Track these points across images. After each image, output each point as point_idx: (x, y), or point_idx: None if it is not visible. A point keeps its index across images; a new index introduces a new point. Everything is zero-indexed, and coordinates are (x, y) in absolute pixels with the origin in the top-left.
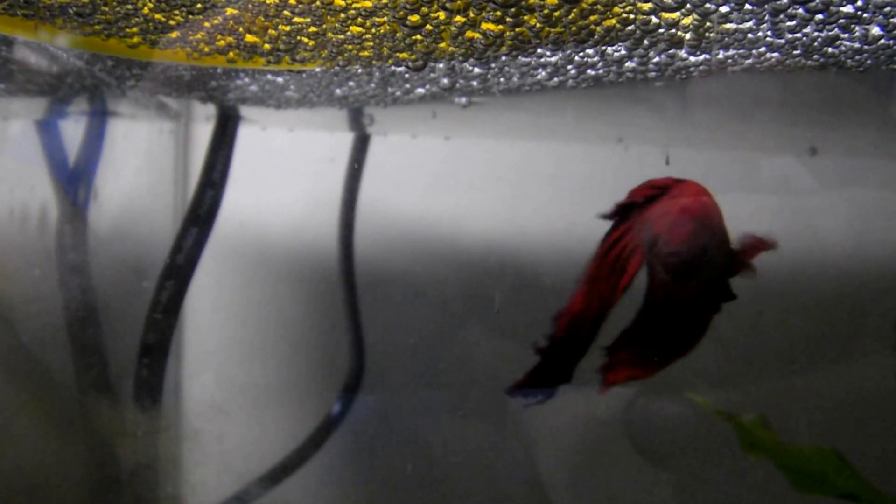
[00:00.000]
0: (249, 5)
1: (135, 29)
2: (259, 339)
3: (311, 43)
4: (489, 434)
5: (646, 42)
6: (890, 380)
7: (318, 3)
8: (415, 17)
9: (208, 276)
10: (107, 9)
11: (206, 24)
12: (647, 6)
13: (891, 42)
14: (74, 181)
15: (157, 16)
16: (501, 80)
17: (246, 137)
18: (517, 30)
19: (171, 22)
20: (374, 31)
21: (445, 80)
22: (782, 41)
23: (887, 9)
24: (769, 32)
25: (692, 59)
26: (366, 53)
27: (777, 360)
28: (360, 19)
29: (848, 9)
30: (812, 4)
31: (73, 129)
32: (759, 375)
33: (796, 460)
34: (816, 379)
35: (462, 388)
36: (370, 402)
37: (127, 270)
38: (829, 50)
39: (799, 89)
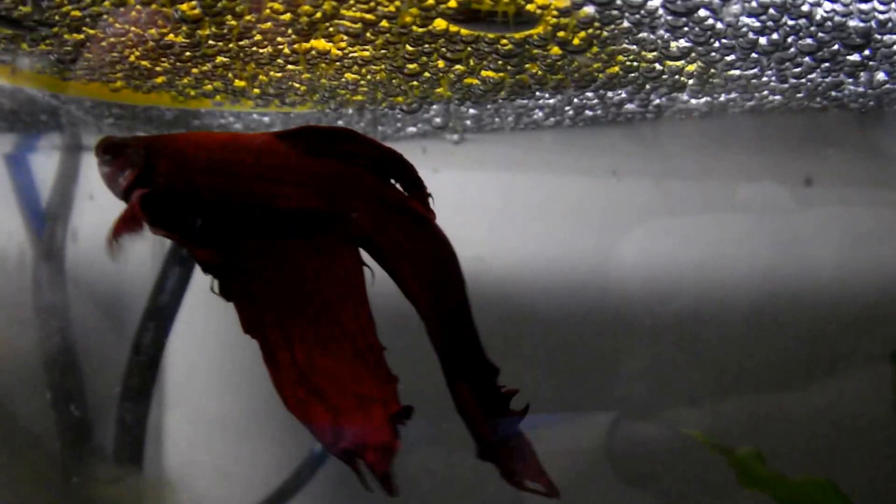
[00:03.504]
0: (241, 54)
1: (119, 74)
2: (242, 373)
3: (303, 88)
4: (472, 464)
5: (647, 87)
6: (880, 405)
7: (313, 52)
8: (413, 66)
9: (190, 313)
10: (91, 55)
11: (195, 71)
12: (651, 55)
13: (895, 86)
14: (50, 218)
15: (144, 63)
16: (496, 120)
17: None
18: (518, 77)
19: (158, 68)
20: (369, 77)
21: (438, 120)
22: (786, 86)
23: (895, 58)
24: (773, 78)
25: (693, 101)
26: (359, 98)
27: (768, 384)
28: (356, 67)
29: (855, 57)
30: (819, 54)
31: (44, 164)
32: (750, 399)
33: (792, 493)
34: (807, 404)
35: (445, 418)
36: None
37: (107, 311)
38: (833, 94)
39: (795, 124)
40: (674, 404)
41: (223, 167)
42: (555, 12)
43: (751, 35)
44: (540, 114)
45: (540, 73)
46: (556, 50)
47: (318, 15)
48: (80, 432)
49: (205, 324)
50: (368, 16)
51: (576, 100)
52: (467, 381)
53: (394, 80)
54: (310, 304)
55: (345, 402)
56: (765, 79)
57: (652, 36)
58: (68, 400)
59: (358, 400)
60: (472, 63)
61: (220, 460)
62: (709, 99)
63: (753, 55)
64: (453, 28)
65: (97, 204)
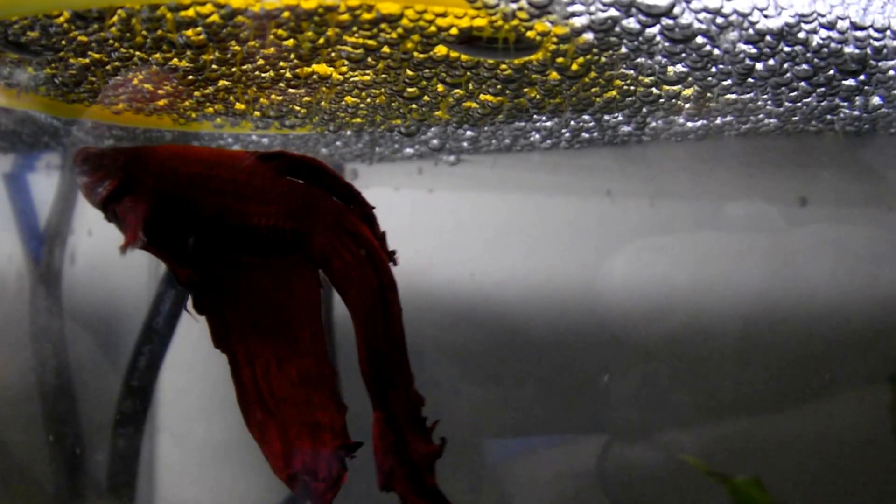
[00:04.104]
0: (243, 78)
1: (121, 97)
2: (233, 399)
3: (303, 111)
4: (465, 487)
5: (644, 110)
6: (879, 429)
7: (315, 76)
8: (413, 90)
9: (182, 336)
10: (94, 79)
11: (197, 94)
12: (648, 79)
13: (891, 111)
14: (48, 240)
15: (147, 86)
16: (493, 141)
17: None
18: (516, 101)
19: (160, 91)
20: (369, 101)
21: (436, 142)
22: (781, 109)
23: (890, 83)
24: (769, 102)
25: (689, 124)
26: (358, 120)
27: (762, 406)
28: (356, 91)
29: (850, 82)
30: (815, 79)
31: (43, 183)
32: (744, 422)
33: None
34: (804, 427)
35: (438, 441)
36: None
37: (102, 335)
38: (829, 117)
39: (788, 144)
40: (667, 426)
41: (203, 182)
42: (554, 39)
43: (747, 61)
44: (537, 136)
45: (538, 97)
46: (554, 75)
47: (321, 41)
48: (72, 461)
49: (195, 348)
50: (370, 42)
51: (572, 122)
52: (390, 412)
53: (393, 104)
54: (270, 323)
55: (296, 428)
56: (760, 103)
57: (649, 61)
58: (62, 426)
59: (309, 427)
60: (471, 87)
61: (213, 489)
62: (705, 122)
63: (750, 80)
64: (453, 54)
65: (95, 228)
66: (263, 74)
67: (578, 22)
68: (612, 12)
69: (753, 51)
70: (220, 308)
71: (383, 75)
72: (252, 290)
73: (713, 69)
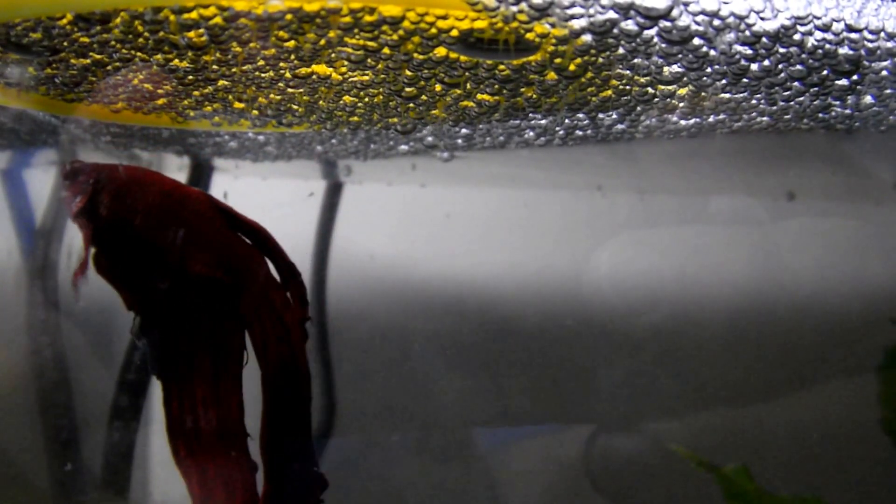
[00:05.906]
0: (243, 78)
1: (120, 96)
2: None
3: (301, 110)
4: (455, 476)
5: (639, 108)
6: (867, 420)
7: (314, 77)
8: (411, 90)
9: None
10: (94, 79)
11: (196, 93)
12: (643, 79)
13: (882, 109)
14: (42, 235)
15: (147, 86)
16: (488, 139)
17: (218, 185)
18: (513, 100)
19: (160, 91)
20: (367, 100)
21: (431, 139)
22: (774, 108)
23: (882, 82)
24: (762, 101)
25: (683, 122)
26: (355, 119)
27: (749, 397)
28: (354, 90)
29: (843, 82)
30: (809, 79)
31: (40, 179)
32: (731, 413)
33: None
34: (791, 418)
35: (429, 430)
36: (339, 445)
37: (97, 329)
38: (821, 115)
39: (776, 140)
40: (653, 416)
41: (156, 214)
42: (553, 41)
43: (743, 62)
44: (531, 133)
45: (535, 96)
46: (552, 75)
47: (322, 42)
48: (67, 453)
49: None
50: (371, 43)
51: (567, 120)
52: (281, 489)
53: (391, 103)
54: (200, 367)
55: (213, 475)
56: (754, 101)
57: (646, 62)
58: (58, 419)
59: (225, 478)
60: (468, 87)
61: None
62: (698, 120)
63: (744, 80)
64: (453, 55)
65: None
66: (263, 74)
67: (577, 24)
68: (611, 14)
69: (749, 52)
70: (160, 337)
71: (382, 75)
72: (188, 330)
73: (708, 69)
